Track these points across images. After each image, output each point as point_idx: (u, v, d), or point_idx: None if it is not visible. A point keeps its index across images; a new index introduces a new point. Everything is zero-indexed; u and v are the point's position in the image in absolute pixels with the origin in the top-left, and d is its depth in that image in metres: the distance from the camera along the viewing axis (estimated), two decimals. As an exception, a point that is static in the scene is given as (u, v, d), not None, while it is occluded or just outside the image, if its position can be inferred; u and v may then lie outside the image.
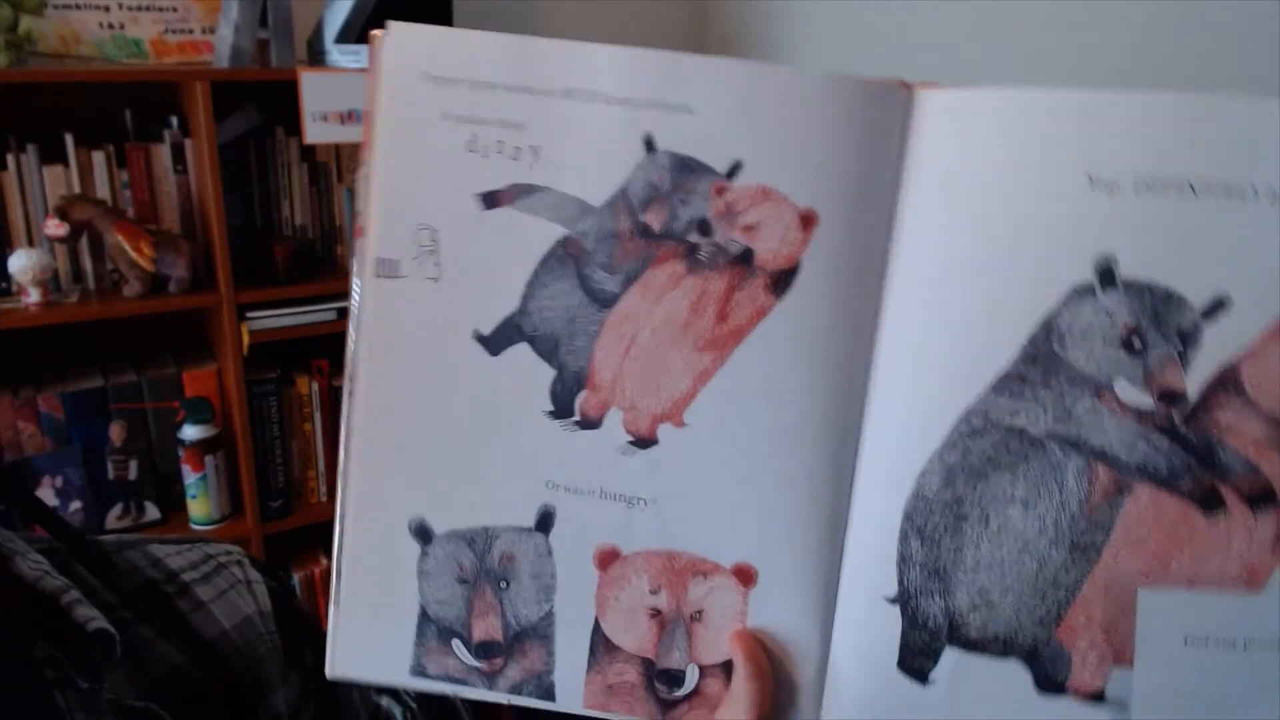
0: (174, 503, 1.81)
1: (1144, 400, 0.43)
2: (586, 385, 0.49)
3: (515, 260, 0.48)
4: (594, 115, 0.46)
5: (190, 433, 1.75)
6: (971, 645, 0.47)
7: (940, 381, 0.45)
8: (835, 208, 0.46)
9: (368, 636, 0.52)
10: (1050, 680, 0.46)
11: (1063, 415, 0.44)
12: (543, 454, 0.49)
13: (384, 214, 0.48)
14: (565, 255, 0.48)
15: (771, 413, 0.48)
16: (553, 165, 0.47)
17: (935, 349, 0.45)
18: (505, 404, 0.49)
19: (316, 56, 1.83)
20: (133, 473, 1.76)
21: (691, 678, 0.51)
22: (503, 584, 0.51)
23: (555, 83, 0.46)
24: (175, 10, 1.74)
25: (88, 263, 1.71)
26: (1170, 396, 0.43)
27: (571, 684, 0.52)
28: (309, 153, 1.84)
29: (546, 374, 0.49)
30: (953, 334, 0.45)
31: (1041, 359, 0.44)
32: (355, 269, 0.49)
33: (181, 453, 1.76)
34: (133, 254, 1.62)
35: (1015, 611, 0.46)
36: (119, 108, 1.72)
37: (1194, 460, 0.43)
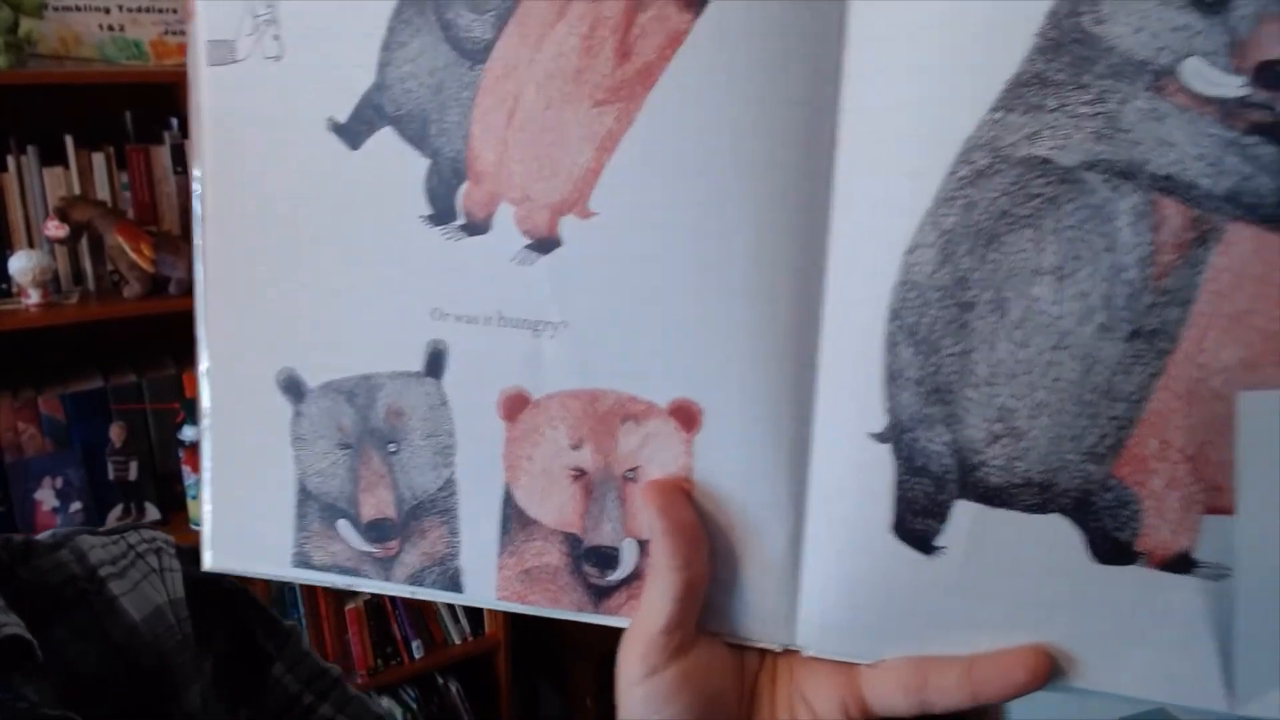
0: (174, 503, 1.79)
1: (1231, 84, 0.29)
2: (467, 174, 0.37)
3: (366, 16, 0.37)
4: None
5: (190, 433, 1.72)
6: (993, 495, 0.33)
7: (926, 107, 0.32)
8: None
9: (244, 522, 0.42)
10: (1112, 542, 0.32)
11: (1106, 127, 0.30)
12: (425, 274, 0.38)
13: None
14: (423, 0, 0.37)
15: (703, 185, 0.35)
16: None
17: (915, 58, 0.32)
18: (373, 211, 0.38)
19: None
20: (133, 474, 1.74)
21: (629, 557, 0.39)
22: (391, 446, 0.40)
23: None
24: (175, 11, 1.73)
25: (88, 264, 1.70)
26: (1274, 72, 0.28)
27: (481, 570, 0.41)
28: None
29: (419, 165, 0.38)
30: (938, 30, 0.31)
31: (1068, 44, 0.30)
32: (190, 70, 0.40)
33: (182, 453, 1.74)
34: (133, 255, 1.61)
35: (1054, 440, 0.32)
36: (119, 109, 1.72)
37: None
